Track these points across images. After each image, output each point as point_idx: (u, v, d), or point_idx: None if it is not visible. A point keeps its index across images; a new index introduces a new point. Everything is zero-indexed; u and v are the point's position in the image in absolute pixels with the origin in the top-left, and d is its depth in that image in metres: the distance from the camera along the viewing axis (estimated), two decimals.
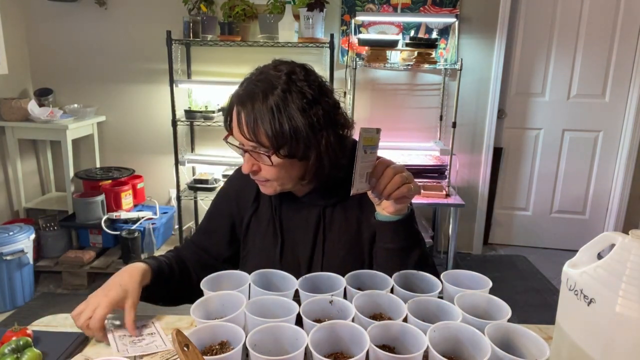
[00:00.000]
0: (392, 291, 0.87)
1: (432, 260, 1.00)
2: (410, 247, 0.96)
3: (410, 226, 0.95)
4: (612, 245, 0.61)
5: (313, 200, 1.05)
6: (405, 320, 0.78)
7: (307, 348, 0.69)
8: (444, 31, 3.04)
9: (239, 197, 1.12)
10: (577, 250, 0.67)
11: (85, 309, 0.87)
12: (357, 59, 2.86)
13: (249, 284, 0.87)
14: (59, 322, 0.95)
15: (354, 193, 0.86)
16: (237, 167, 1.18)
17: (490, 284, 0.89)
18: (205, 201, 3.19)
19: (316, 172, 0.95)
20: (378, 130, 0.85)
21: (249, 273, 0.91)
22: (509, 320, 0.78)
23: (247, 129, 0.89)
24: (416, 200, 1.06)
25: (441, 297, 0.87)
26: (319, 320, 0.77)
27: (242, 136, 0.91)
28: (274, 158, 0.91)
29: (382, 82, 3.15)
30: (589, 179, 3.34)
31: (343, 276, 0.90)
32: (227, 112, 0.97)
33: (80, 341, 0.87)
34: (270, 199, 1.09)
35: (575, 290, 0.63)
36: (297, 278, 0.89)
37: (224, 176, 3.03)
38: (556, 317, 0.69)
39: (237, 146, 0.96)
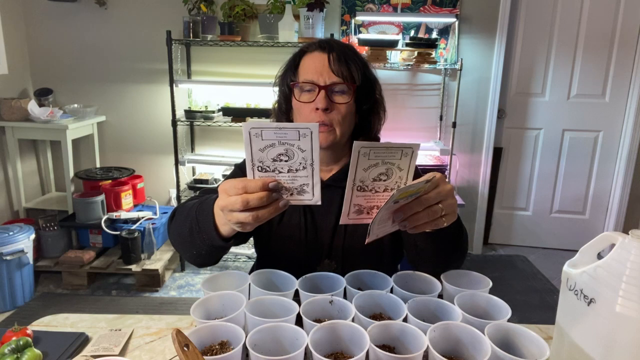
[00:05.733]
0: (392, 291, 0.87)
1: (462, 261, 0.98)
2: (452, 254, 0.93)
3: (452, 238, 0.89)
4: (612, 245, 0.61)
5: (337, 182, 1.08)
6: (405, 320, 0.78)
7: (307, 348, 0.69)
8: (444, 31, 3.04)
9: None
10: (577, 250, 0.67)
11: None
12: None
13: (249, 284, 0.87)
14: (59, 322, 0.95)
15: (372, 240, 0.75)
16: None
17: (490, 284, 0.89)
18: None
19: (355, 130, 1.09)
20: (428, 181, 0.71)
21: (271, 249, 0.97)
22: (509, 320, 0.78)
23: (339, 64, 1.02)
24: None
25: (441, 297, 0.87)
26: (319, 320, 0.77)
27: (332, 73, 1.01)
28: (350, 96, 1.02)
29: (382, 82, 3.12)
30: (589, 179, 3.34)
31: (361, 264, 0.92)
32: (291, 65, 1.08)
33: (81, 341, 0.87)
34: None
35: (575, 290, 0.63)
36: (319, 261, 0.89)
37: (224, 176, 3.03)
38: (556, 317, 0.69)
39: (318, 85, 1.01)
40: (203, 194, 0.99)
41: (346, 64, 1.03)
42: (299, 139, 0.69)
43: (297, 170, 0.71)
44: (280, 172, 0.71)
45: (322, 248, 1.08)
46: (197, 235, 0.85)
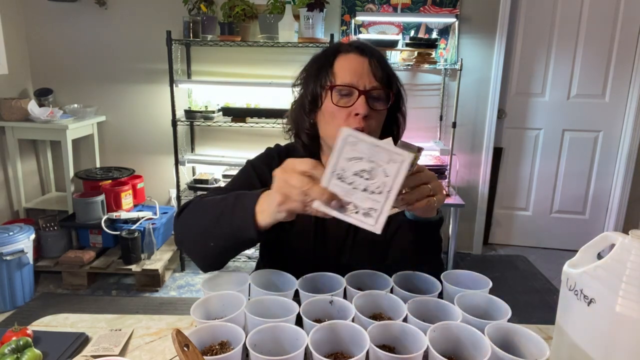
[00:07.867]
0: (392, 291, 0.87)
1: (443, 270, 0.99)
2: (429, 253, 0.97)
3: (434, 232, 0.95)
4: (612, 245, 0.61)
5: None
6: (405, 320, 0.78)
7: (307, 348, 0.69)
8: (444, 31, 3.04)
9: None
10: (577, 250, 0.67)
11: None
12: None
13: (249, 284, 0.87)
14: (59, 322, 0.95)
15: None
16: (269, 150, 1.15)
17: (490, 284, 0.89)
18: None
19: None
20: (419, 149, 0.74)
21: (276, 257, 0.97)
22: (509, 320, 0.78)
23: (381, 69, 0.98)
24: None
25: (441, 297, 0.87)
26: (319, 320, 0.77)
27: (373, 77, 0.97)
28: (386, 104, 0.99)
29: None
30: (589, 179, 3.34)
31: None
32: (324, 64, 1.01)
33: (81, 341, 0.87)
34: None
35: (575, 290, 0.63)
36: (326, 268, 0.92)
37: (224, 176, 3.03)
38: (556, 317, 0.69)
39: (358, 89, 0.96)
40: (215, 193, 0.96)
41: (386, 70, 0.99)
42: (388, 163, 0.67)
43: (372, 192, 0.68)
44: (355, 188, 0.68)
45: (329, 256, 1.08)
46: (226, 221, 0.83)
